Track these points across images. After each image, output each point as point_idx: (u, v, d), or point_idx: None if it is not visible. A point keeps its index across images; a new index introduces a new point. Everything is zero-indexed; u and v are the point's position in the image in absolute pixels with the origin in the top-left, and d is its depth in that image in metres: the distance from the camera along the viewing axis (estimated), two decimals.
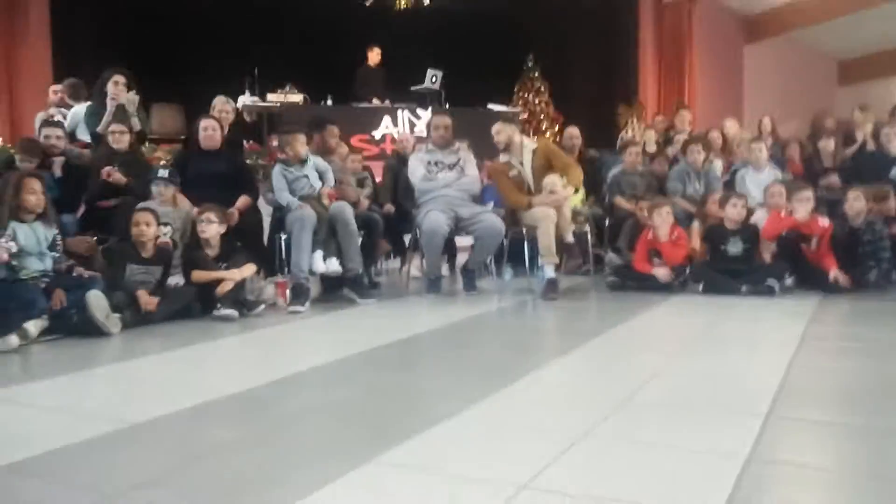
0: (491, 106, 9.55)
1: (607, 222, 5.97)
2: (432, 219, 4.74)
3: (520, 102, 11.21)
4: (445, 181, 4.97)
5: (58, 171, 4.75)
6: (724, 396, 2.35)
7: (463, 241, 5.62)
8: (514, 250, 5.36)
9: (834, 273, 4.60)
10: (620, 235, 5.54)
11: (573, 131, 6.88)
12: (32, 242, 3.73)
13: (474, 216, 4.86)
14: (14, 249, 3.60)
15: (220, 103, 5.77)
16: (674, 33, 11.07)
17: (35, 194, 3.77)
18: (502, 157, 5.14)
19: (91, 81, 5.74)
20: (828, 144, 6.29)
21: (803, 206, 4.70)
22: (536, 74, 11.50)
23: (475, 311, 4.33)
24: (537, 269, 4.90)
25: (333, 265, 4.51)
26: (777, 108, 9.56)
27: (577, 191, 5.02)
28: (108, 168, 4.68)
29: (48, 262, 3.78)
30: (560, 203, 4.76)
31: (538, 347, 3.47)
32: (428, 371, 2.91)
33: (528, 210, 4.87)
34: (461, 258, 5.61)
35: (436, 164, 5.07)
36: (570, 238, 4.93)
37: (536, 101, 11.25)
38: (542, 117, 11.29)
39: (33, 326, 3.37)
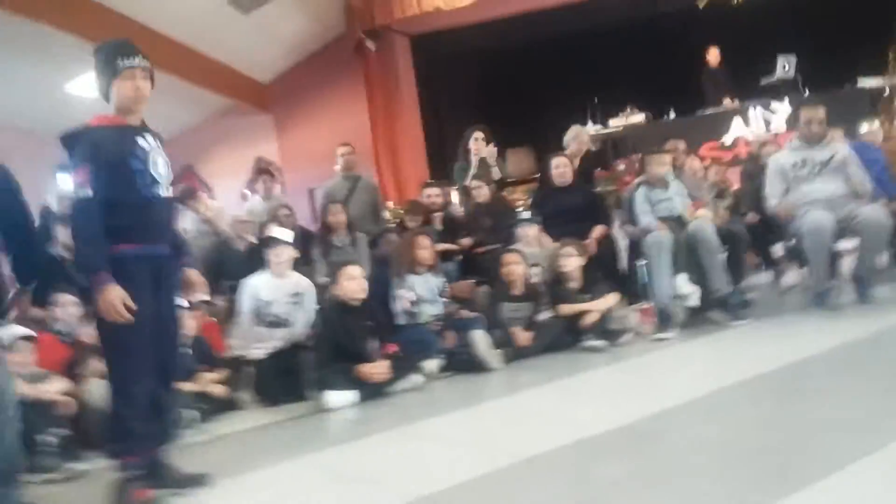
0: (862, 82, 8.30)
1: None
2: (814, 218, 4.17)
3: None
4: (813, 193, 4.29)
5: (438, 225, 5.43)
6: None
7: (846, 243, 4.90)
8: None
9: None
10: None
11: None
12: (426, 291, 4.31)
13: (851, 211, 4.19)
14: (413, 298, 4.22)
15: (571, 135, 5.94)
16: None
17: (425, 249, 4.36)
18: None
19: (454, 140, 6.46)
20: None
21: None
22: None
23: (874, 326, 3.73)
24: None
25: (693, 294, 4.32)
26: None
27: None
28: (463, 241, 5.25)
29: (439, 307, 4.32)
30: None
31: None
32: (825, 402, 2.58)
33: None
34: (847, 264, 4.85)
35: (802, 163, 4.38)
36: None
37: None
38: None
39: (432, 365, 3.88)
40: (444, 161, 9.78)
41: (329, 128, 9.52)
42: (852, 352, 3.31)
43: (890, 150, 5.18)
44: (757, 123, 8.36)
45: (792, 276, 5.02)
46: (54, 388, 3.17)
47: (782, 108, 8.15)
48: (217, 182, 10.41)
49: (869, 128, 5.71)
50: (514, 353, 4.11)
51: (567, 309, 4.29)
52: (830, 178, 4.33)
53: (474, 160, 5.81)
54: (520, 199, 7.03)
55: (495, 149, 5.94)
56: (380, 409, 3.43)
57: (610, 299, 4.30)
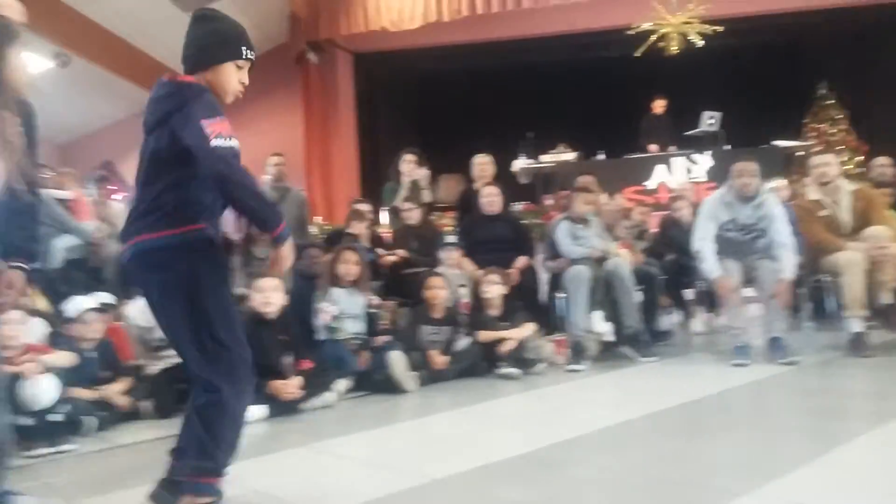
0: (777, 143, 8.83)
1: None
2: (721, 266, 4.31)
3: (812, 135, 10.16)
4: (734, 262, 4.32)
5: (365, 243, 5.41)
6: None
7: (751, 291, 5.09)
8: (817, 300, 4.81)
9: None
10: None
11: (883, 160, 6.08)
12: (350, 306, 4.28)
13: (753, 260, 4.34)
14: (336, 312, 4.18)
15: (479, 161, 6.00)
16: None
17: (351, 264, 4.33)
18: (811, 195, 4.61)
19: (388, 160, 6.50)
20: None
21: None
22: (831, 102, 10.35)
23: (771, 370, 3.95)
24: (842, 322, 4.31)
25: (607, 330, 4.46)
26: None
27: None
28: (382, 253, 5.24)
29: (360, 324, 4.30)
30: (885, 257, 4.17)
31: (849, 414, 3.05)
32: (717, 439, 2.72)
33: (837, 253, 4.31)
34: (754, 310, 4.97)
35: (731, 224, 4.39)
36: (886, 299, 4.21)
37: (832, 132, 10.10)
38: (839, 149, 10.09)
39: (343, 385, 3.85)
40: (377, 181, 9.78)
41: (261, 136, 9.39)
42: (747, 393, 3.49)
43: (798, 207, 5.45)
44: (679, 172, 8.75)
45: (700, 321, 5.23)
46: (116, 389, 3.49)
47: (703, 160, 8.56)
48: None
49: (776, 185, 6.05)
50: (430, 376, 4.13)
51: (486, 335, 4.35)
52: (751, 243, 4.38)
53: (405, 182, 5.85)
54: (448, 224, 7.10)
55: (428, 172, 6.00)
56: (290, 425, 3.37)
57: (527, 329, 4.38)
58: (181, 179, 1.90)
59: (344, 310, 4.23)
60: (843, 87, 10.54)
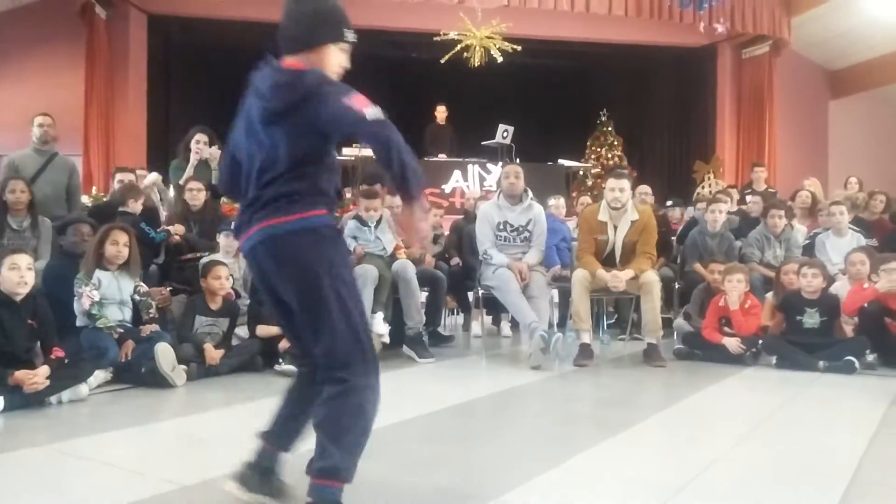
0: (562, 161, 9.55)
1: (677, 286, 5.79)
2: (500, 274, 4.62)
3: (592, 158, 11.15)
4: (509, 257, 4.71)
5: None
6: (792, 489, 2.21)
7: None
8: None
9: None
10: (691, 300, 5.34)
11: (645, 188, 6.80)
12: (113, 291, 3.92)
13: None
14: (97, 298, 3.81)
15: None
16: (754, 88, 10.85)
17: (116, 245, 3.96)
18: (601, 215, 4.74)
19: (179, 137, 6.07)
20: None
21: (888, 277, 4.44)
22: (609, 129, 11.44)
23: (538, 375, 4.24)
24: (601, 333, 4.77)
25: (385, 332, 4.53)
26: (865, 167, 9.18)
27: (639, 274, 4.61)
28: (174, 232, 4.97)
29: (127, 312, 3.96)
30: (616, 286, 4.54)
31: (598, 420, 3.36)
32: (482, 442, 2.85)
33: (592, 276, 4.59)
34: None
35: (504, 225, 4.81)
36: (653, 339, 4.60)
37: (609, 157, 11.17)
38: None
39: (100, 377, 3.53)
40: (166, 154, 9.13)
41: (34, 91, 8.37)
42: (511, 398, 3.72)
43: (585, 221, 5.65)
44: (473, 179, 9.15)
45: (478, 324, 5.49)
46: None
47: (496, 170, 9.03)
48: None
49: (555, 202, 6.52)
50: (203, 371, 3.91)
51: (264, 330, 4.21)
52: (523, 245, 4.81)
53: (193, 160, 5.51)
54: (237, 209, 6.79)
55: (219, 152, 5.68)
56: (32, 421, 3.01)
57: None
58: (309, 169, 1.87)
59: (107, 295, 3.88)
60: (620, 115, 11.68)
